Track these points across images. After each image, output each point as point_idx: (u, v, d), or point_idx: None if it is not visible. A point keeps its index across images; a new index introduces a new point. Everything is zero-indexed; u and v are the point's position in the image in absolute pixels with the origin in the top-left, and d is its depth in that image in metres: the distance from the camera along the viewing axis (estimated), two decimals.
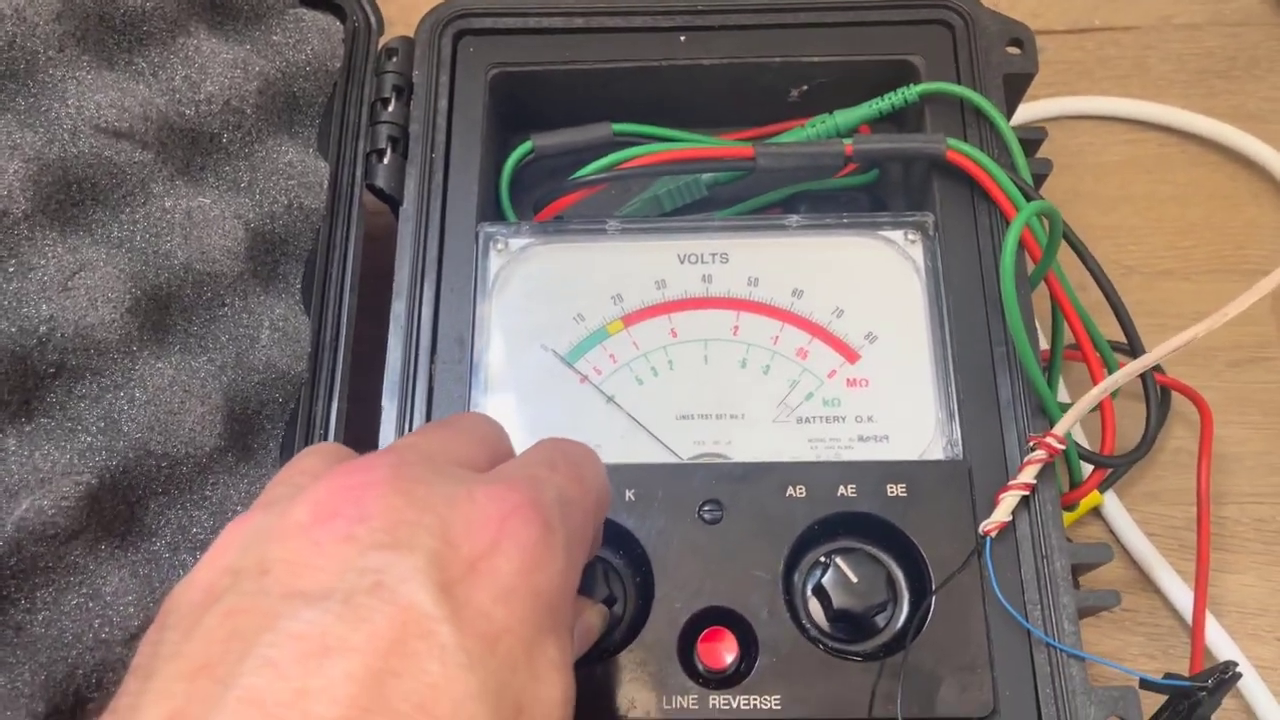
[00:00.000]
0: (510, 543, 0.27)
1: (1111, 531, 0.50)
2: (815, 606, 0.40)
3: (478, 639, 0.25)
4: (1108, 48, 0.61)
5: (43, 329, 0.37)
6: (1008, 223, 0.44)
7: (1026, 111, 0.58)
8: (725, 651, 0.39)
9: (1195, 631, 0.45)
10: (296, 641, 0.23)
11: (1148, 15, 0.62)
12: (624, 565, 0.41)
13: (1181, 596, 0.48)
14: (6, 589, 0.35)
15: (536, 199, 0.48)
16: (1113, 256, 0.55)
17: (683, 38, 0.49)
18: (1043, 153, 0.49)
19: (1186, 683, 0.39)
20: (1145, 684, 0.40)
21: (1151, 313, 0.54)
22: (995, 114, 0.46)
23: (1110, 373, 0.45)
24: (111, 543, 0.37)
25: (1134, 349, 0.47)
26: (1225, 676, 0.39)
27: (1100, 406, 0.44)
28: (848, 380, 0.44)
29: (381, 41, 0.49)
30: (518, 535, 0.27)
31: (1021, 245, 0.44)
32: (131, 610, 0.37)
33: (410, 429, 0.43)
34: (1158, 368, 0.48)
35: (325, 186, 0.45)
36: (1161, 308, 0.54)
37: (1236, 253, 0.56)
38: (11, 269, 0.37)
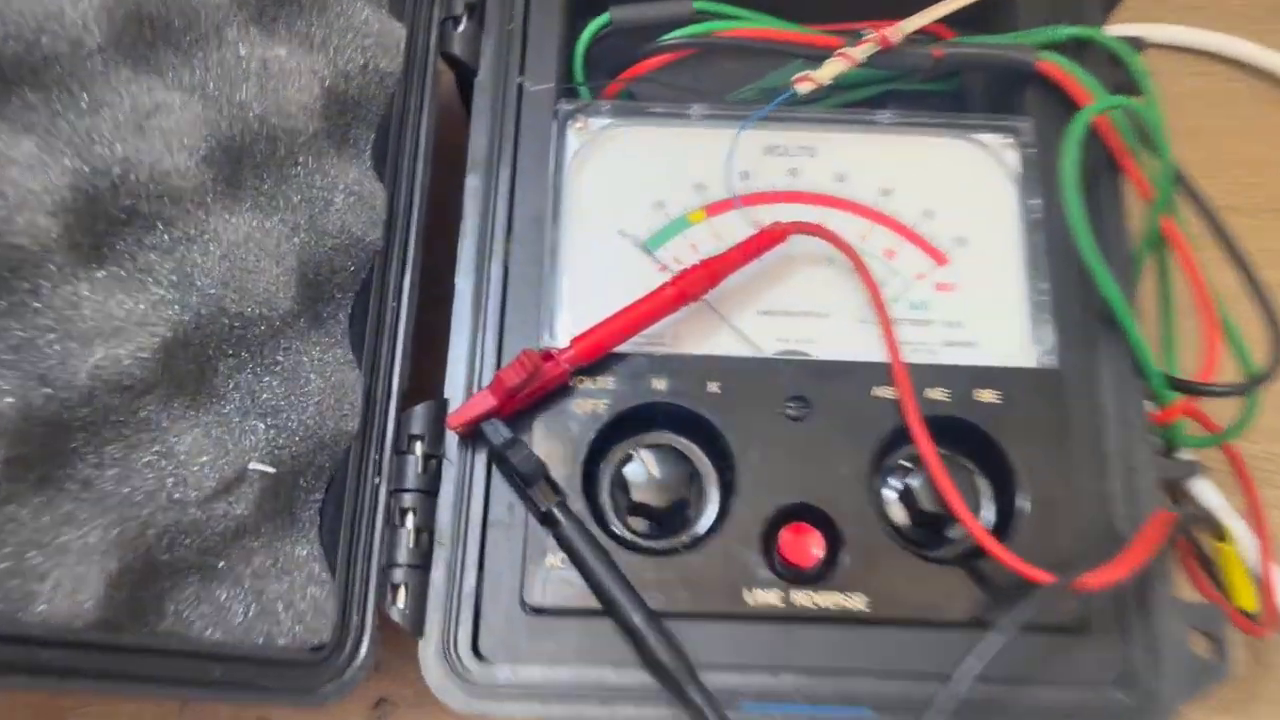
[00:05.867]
0: None
1: None
2: (899, 511, 0.39)
3: None
4: None
5: (116, 170, 0.35)
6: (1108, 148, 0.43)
7: None
8: (812, 545, 0.38)
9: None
10: None
11: None
12: (705, 456, 0.40)
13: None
14: (75, 442, 0.33)
15: (615, 65, 0.46)
16: None
17: None
18: None
19: None
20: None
21: None
22: None
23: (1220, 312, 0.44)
24: (183, 401, 0.35)
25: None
26: None
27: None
28: (936, 284, 0.43)
29: None
30: None
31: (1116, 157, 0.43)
32: (205, 472, 0.35)
33: (485, 309, 0.41)
34: None
35: (401, 49, 0.43)
36: None
37: None
38: (84, 105, 0.35)
